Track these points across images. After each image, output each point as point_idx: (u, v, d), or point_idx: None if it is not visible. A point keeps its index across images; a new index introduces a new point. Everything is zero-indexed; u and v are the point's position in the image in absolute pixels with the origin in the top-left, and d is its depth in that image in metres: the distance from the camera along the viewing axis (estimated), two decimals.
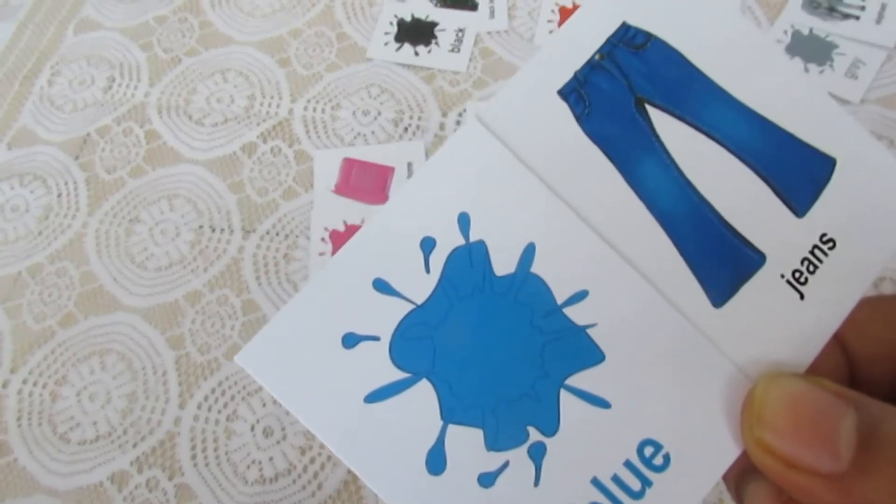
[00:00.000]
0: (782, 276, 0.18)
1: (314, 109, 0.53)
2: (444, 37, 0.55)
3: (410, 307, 0.17)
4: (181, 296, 0.46)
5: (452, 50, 0.54)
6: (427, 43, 0.55)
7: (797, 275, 0.18)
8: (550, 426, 0.17)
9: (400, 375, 0.17)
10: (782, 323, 0.17)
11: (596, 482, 0.17)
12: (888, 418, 0.15)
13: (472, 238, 0.18)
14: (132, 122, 0.53)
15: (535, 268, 0.18)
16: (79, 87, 0.56)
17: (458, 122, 0.51)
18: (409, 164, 0.49)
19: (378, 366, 0.17)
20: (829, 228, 0.18)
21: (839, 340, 0.19)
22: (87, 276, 0.47)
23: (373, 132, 0.51)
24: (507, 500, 0.17)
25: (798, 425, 0.15)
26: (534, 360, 0.17)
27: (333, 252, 0.46)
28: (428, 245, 0.18)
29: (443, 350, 0.17)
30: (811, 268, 0.18)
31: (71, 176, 0.52)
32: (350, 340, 0.17)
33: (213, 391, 0.43)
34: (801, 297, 0.17)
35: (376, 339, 0.17)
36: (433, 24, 0.55)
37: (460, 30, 0.55)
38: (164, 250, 0.48)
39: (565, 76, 0.18)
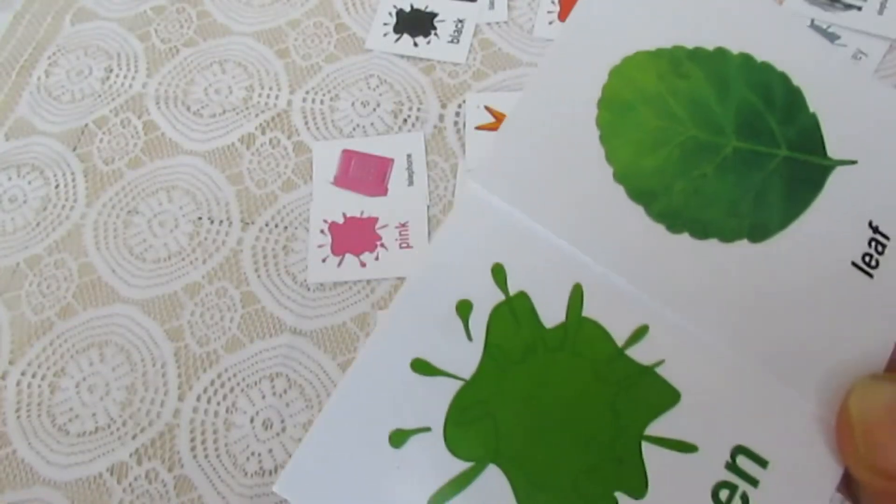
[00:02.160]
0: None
1: (313, 101, 0.52)
2: (444, 28, 0.54)
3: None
4: (180, 288, 0.46)
5: (452, 41, 0.54)
6: (426, 34, 0.54)
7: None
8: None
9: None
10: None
11: None
12: None
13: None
14: (130, 112, 0.53)
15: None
16: (76, 77, 0.55)
17: (457, 114, 0.51)
18: (409, 156, 0.49)
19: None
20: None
21: None
22: (86, 268, 0.47)
23: (372, 123, 0.51)
24: None
25: None
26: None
27: (333, 244, 0.46)
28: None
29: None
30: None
31: (69, 167, 0.51)
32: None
33: (212, 383, 0.43)
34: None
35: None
36: (432, 15, 0.55)
37: (459, 21, 0.54)
38: (162, 242, 0.48)
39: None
